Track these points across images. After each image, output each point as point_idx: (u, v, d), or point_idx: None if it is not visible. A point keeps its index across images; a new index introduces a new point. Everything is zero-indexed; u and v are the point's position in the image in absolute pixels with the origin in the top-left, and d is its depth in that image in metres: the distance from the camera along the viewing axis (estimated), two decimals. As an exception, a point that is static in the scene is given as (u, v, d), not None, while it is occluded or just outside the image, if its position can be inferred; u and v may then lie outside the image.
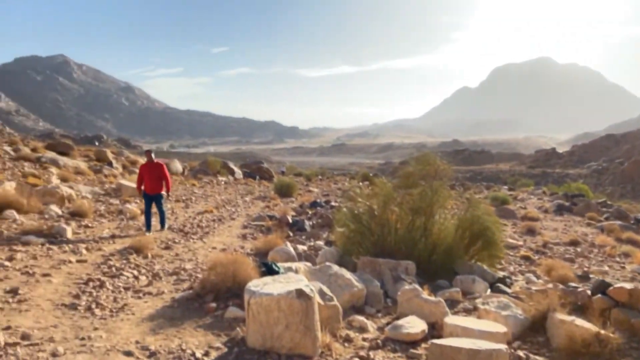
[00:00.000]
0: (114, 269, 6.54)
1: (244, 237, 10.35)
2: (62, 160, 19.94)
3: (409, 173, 8.27)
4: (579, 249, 11.76)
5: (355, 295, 5.36)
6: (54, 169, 17.81)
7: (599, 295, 4.92)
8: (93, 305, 4.91)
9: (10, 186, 11.98)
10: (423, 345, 4.29)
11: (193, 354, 3.82)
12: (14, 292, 5.11)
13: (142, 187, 10.02)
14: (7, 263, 6.22)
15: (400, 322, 4.56)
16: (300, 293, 3.88)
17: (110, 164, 23.72)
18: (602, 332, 4.05)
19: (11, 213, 9.55)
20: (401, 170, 8.83)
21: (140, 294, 5.52)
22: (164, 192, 10.12)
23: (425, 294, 5.19)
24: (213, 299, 5.13)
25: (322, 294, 4.59)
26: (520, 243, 12.21)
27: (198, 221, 11.87)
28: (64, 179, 16.33)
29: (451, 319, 4.59)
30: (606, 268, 9.51)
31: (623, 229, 14.20)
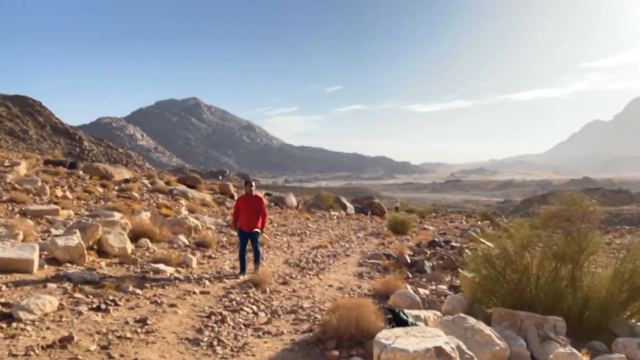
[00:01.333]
0: (234, 302, 6.51)
1: (360, 275, 9.94)
2: (191, 192, 21.48)
3: (552, 213, 7.26)
4: None
5: (497, 356, 4.61)
6: (183, 201, 19.20)
7: None
8: (215, 342, 4.82)
9: (146, 216, 13.03)
10: None
11: (318, 412, 3.44)
12: (143, 321, 5.22)
13: (238, 223, 8.83)
14: (138, 291, 6.49)
15: (558, 395, 3.76)
16: (440, 352, 3.34)
17: (232, 196, 25.09)
18: None
19: (145, 241, 10.23)
20: (542, 210, 7.82)
21: (260, 333, 5.34)
22: (259, 229, 8.88)
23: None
24: (335, 345, 4.75)
25: (460, 352, 3.97)
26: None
27: (313, 256, 11.76)
28: (191, 210, 17.47)
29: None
30: None
31: None
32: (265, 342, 5.03)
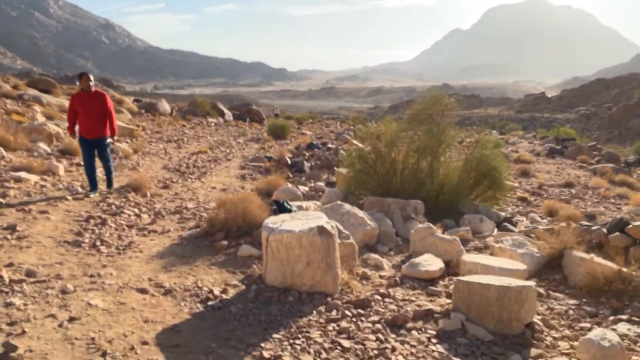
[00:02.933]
0: (113, 207, 6.31)
1: (242, 177, 10.14)
2: (46, 97, 19.12)
3: (416, 112, 7.99)
4: (573, 191, 11.81)
5: (368, 234, 5.24)
6: (37, 107, 17.09)
7: (617, 233, 4.86)
8: (98, 243, 4.72)
9: (-6, 123, 11.46)
10: (441, 282, 4.21)
11: (211, 291, 3.68)
12: (11, 228, 4.87)
13: (77, 129, 7.00)
14: (1, 200, 5.95)
15: (417, 260, 4.46)
16: (322, 230, 3.70)
17: (96, 103, 22.92)
18: (624, 269, 3.99)
19: (-1, 150, 9.14)
20: (408, 110, 8.54)
21: (145, 232, 5.34)
22: (108, 136, 7.09)
23: (439, 233, 5.08)
24: (224, 237, 4.96)
25: (338, 231, 4.43)
26: (516, 185, 12.21)
27: (193, 161, 11.60)
28: (49, 117, 15.71)
29: (469, 257, 4.51)
30: (602, 209, 9.54)
31: (615, 172, 14.29)
32: (152, 240, 5.06)
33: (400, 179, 7.61)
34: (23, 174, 7.36)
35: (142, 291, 3.62)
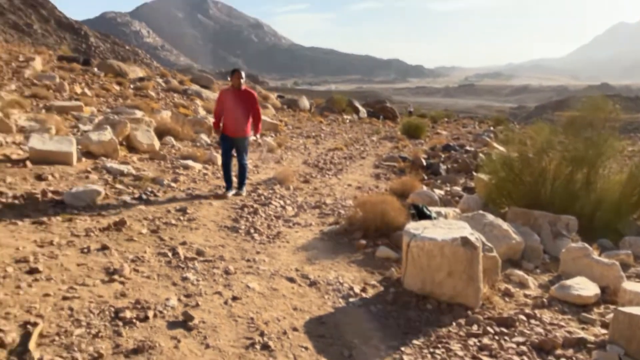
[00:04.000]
0: (262, 197, 6.91)
1: (377, 176, 10.30)
2: (205, 92, 21.42)
3: (574, 118, 7.34)
4: None
5: (512, 248, 5.01)
6: (198, 101, 19.24)
7: None
8: (252, 230, 5.24)
9: (166, 115, 13.22)
10: (596, 309, 3.88)
11: (351, 288, 3.89)
12: (183, 211, 5.64)
13: (221, 125, 6.80)
14: (173, 184, 6.89)
15: (568, 282, 4.16)
16: (465, 241, 3.67)
17: (246, 98, 24.97)
18: None
19: (169, 139, 10.52)
20: (564, 115, 7.88)
21: (290, 224, 5.77)
22: (251, 135, 6.97)
23: (595, 255, 4.66)
24: (362, 236, 5.16)
25: (481, 243, 4.33)
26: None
27: (330, 158, 12.09)
28: (208, 111, 17.59)
29: (631, 285, 4.06)
30: None
31: None
32: (297, 232, 5.46)
33: (551, 190, 7.08)
34: (190, 162, 8.40)
35: (291, 280, 3.96)
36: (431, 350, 3.01)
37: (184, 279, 3.74)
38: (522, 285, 4.35)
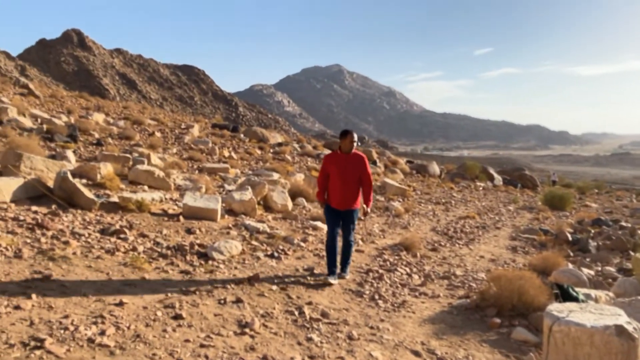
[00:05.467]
0: (388, 263, 6.84)
1: (513, 249, 9.57)
2: (337, 157, 22.38)
3: None
4: None
5: (684, 346, 4.20)
6: (331, 165, 20.15)
7: None
8: (376, 296, 5.18)
9: (300, 177, 14.05)
10: None
11: (483, 371, 3.58)
12: (310, 270, 5.82)
13: (326, 195, 5.74)
14: (302, 244, 7.19)
15: None
16: (621, 330, 3.19)
17: (374, 162, 25.54)
18: None
19: (301, 200, 11.10)
20: None
21: (416, 293, 5.58)
22: (361, 208, 5.76)
23: None
24: (496, 314, 4.78)
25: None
26: None
27: (461, 226, 11.60)
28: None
29: None
30: None
31: None
32: (423, 303, 5.26)
33: None
34: (318, 223, 8.73)
35: (416, 354, 3.79)
36: None
37: (309, 339, 3.80)
38: (698, 393, 3.58)
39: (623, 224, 13.54)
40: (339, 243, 5.70)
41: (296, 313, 4.32)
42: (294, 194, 11.37)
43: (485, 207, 16.90)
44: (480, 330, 4.47)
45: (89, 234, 5.79)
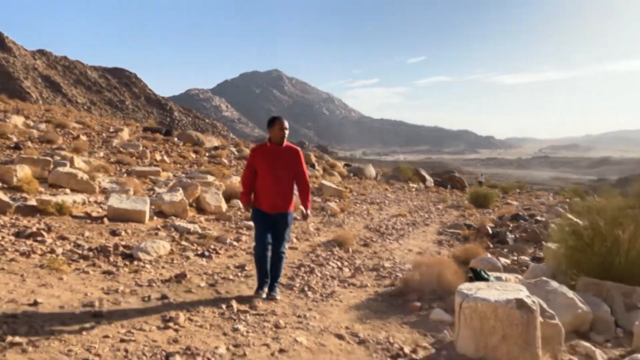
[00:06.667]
0: (320, 258, 6.99)
1: (439, 243, 10.08)
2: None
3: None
4: None
5: (579, 318, 4.66)
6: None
7: None
8: (306, 288, 5.29)
9: (236, 180, 13.95)
10: (677, 391, 3.47)
11: (401, 349, 3.78)
12: (241, 267, 5.84)
13: (253, 196, 4.80)
14: (235, 243, 7.18)
15: (642, 357, 3.78)
16: (521, 304, 3.50)
17: (313, 166, 25.82)
18: None
19: (236, 202, 11.04)
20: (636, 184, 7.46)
21: (346, 284, 5.76)
22: (298, 210, 5.15)
23: (676, 330, 4.22)
24: (417, 298, 5.05)
25: (541, 310, 4.08)
26: None
27: (392, 223, 12.02)
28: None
29: None
30: None
31: None
32: (351, 292, 5.44)
33: (626, 261, 6.57)
34: (252, 224, 8.74)
35: (340, 337, 3.93)
36: (480, 416, 2.83)
37: (235, 329, 3.84)
38: (589, 357, 4.00)
39: (539, 218, 14.58)
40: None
41: (224, 307, 4.34)
42: (230, 196, 11.28)
43: (417, 206, 17.59)
44: (402, 314, 4.70)
45: (2, 237, 5.48)
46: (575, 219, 8.06)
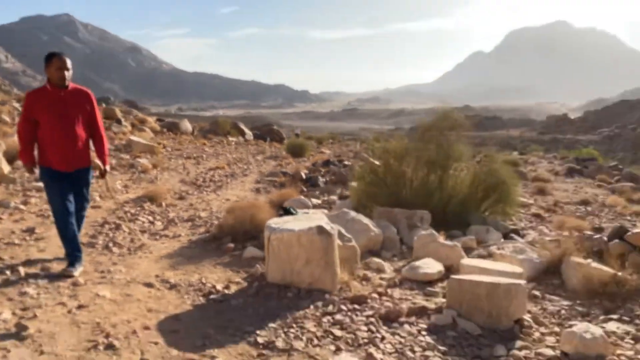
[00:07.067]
0: (129, 214, 6.58)
1: (257, 191, 10.37)
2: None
3: (427, 126, 8.15)
4: (589, 208, 11.67)
5: (372, 240, 5.36)
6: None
7: (616, 240, 4.88)
8: (110, 244, 4.96)
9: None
10: (440, 284, 4.29)
11: (213, 287, 3.85)
12: (30, 231, 5.17)
13: (38, 153, 4.04)
14: (22, 206, 6.28)
15: (417, 263, 4.56)
16: (321, 230, 3.86)
17: (119, 121, 23.70)
18: (620, 273, 4.02)
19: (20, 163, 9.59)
20: (418, 124, 8.73)
21: (157, 237, 5.57)
22: (95, 167, 4.39)
23: (441, 239, 5.17)
24: (231, 240, 5.16)
25: (340, 235, 4.57)
26: (531, 202, 12.15)
27: (210, 176, 11.91)
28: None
29: (467, 261, 4.58)
30: (618, 225, 9.42)
31: (634, 191, 14.06)
32: (163, 244, 5.28)
33: (410, 191, 7.73)
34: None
35: (149, 285, 3.82)
36: (285, 330, 3.10)
37: (23, 294, 3.42)
38: (379, 270, 4.66)
39: (346, 163, 16.09)
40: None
41: (8, 272, 3.81)
42: (14, 157, 9.71)
43: (236, 158, 17.68)
44: (216, 257, 4.78)
45: None
46: (372, 160, 9.12)
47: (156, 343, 2.85)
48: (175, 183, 10.40)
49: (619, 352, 2.92)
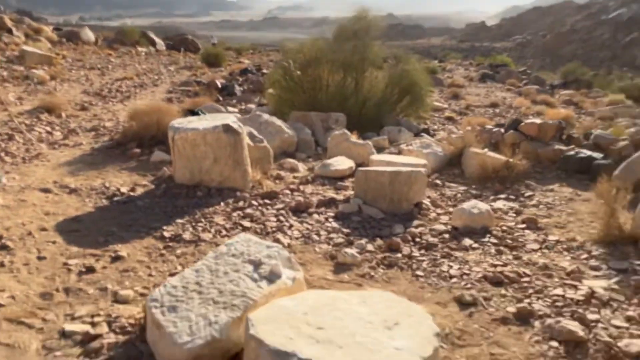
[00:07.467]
0: (23, 125, 6.02)
1: (169, 100, 9.85)
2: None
3: (342, 28, 7.97)
4: (497, 110, 12.44)
5: (286, 141, 5.36)
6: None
7: (512, 131, 5.26)
8: (2, 154, 4.56)
9: None
10: (350, 179, 4.44)
11: (118, 190, 3.72)
12: None
13: None
14: None
15: (329, 161, 4.66)
16: (227, 128, 3.76)
17: (10, 31, 20.95)
18: (511, 160, 4.38)
19: None
20: (335, 27, 8.51)
21: (56, 146, 5.19)
22: None
23: (353, 138, 5.28)
24: (137, 146, 4.92)
25: (251, 136, 4.51)
26: (445, 106, 12.69)
27: (117, 87, 11.09)
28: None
29: (376, 156, 4.77)
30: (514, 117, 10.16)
31: (539, 93, 15.11)
32: (62, 152, 4.95)
33: (326, 95, 7.70)
34: None
35: (45, 191, 3.61)
36: (193, 224, 3.10)
37: None
38: (293, 170, 4.72)
39: (265, 71, 15.60)
40: None
41: None
42: None
43: (146, 69, 16.49)
44: (121, 162, 4.57)
45: None
46: (286, 63, 8.86)
47: (54, 242, 2.74)
48: (76, 94, 9.59)
49: (501, 223, 3.25)
